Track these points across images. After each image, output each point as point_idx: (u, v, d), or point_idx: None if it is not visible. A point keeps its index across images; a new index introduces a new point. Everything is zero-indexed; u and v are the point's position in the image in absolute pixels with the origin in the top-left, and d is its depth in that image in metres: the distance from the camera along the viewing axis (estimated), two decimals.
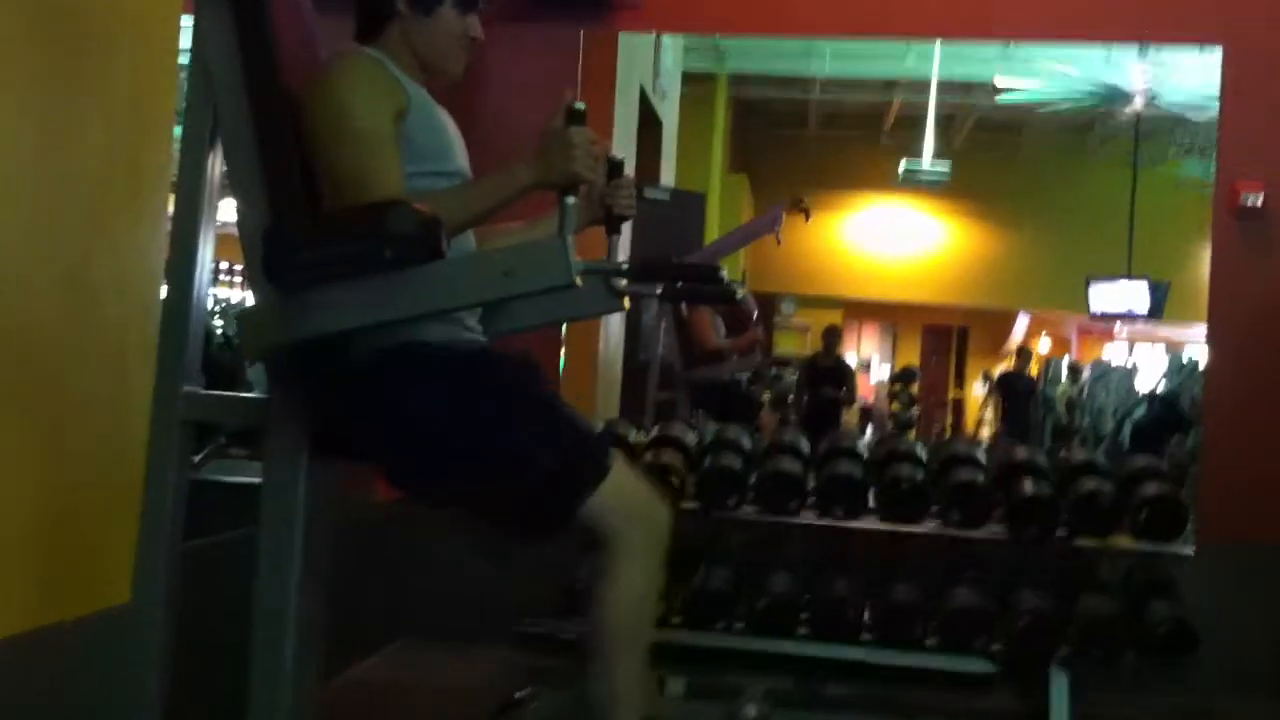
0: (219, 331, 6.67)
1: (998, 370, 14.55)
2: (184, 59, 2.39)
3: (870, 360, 17.76)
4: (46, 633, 2.31)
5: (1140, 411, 9.76)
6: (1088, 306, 13.76)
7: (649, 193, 6.83)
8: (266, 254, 1.89)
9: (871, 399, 15.27)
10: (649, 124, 7.73)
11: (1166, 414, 8.92)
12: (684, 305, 6.96)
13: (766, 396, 9.54)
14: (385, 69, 2.08)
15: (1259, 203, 4.12)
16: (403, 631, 4.04)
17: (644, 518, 2.11)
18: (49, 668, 2.32)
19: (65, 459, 2.39)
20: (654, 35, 7.34)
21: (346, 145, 1.97)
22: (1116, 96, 12.52)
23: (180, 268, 2.03)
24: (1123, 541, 3.87)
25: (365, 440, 2.04)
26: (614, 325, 6.34)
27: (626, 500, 2.09)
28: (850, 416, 10.99)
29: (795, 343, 13.72)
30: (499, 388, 2.08)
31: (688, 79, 9.80)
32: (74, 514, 2.43)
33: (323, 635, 2.12)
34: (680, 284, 2.65)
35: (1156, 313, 13.93)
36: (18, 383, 2.26)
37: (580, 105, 1.94)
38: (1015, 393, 12.75)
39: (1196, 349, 12.58)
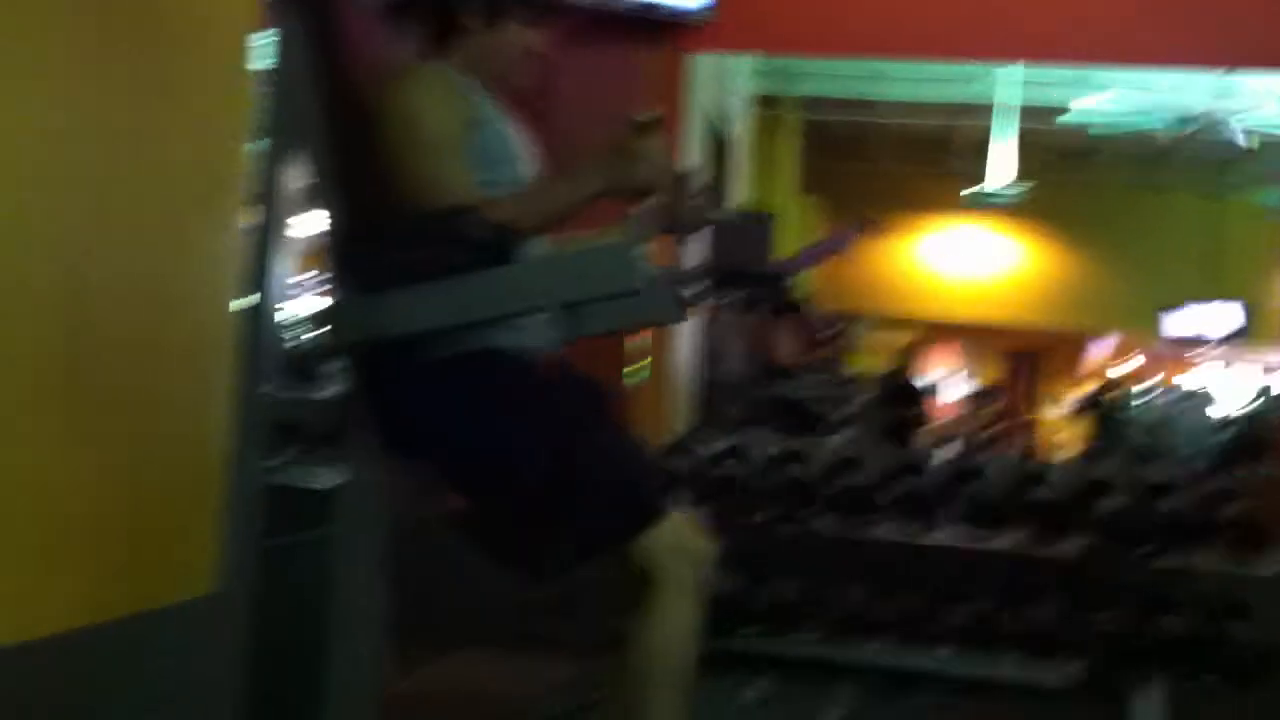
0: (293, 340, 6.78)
1: (1081, 391, 14.36)
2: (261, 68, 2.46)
3: (945, 381, 17.56)
4: (130, 621, 2.37)
5: (1220, 435, 9.61)
6: (1164, 331, 13.56)
7: (718, 214, 6.84)
8: (344, 257, 1.94)
9: (946, 420, 15.10)
10: (718, 146, 7.75)
11: (1247, 437, 8.77)
12: (756, 320, 6.97)
13: (840, 415, 9.47)
14: (453, 81, 2.12)
15: None
16: (473, 637, 4.05)
17: (692, 556, 2.09)
18: (132, 656, 2.37)
19: (149, 455, 2.44)
20: (722, 58, 7.37)
21: (419, 153, 2.00)
22: (1193, 123, 12.35)
23: (258, 271, 2.08)
24: (1204, 561, 3.81)
25: (428, 442, 2.07)
26: (686, 339, 6.36)
27: (677, 538, 2.08)
28: (925, 437, 10.89)
29: (869, 362, 13.59)
30: (564, 416, 2.08)
31: (757, 102, 9.81)
32: (158, 509, 2.48)
33: (394, 637, 2.15)
34: (748, 293, 2.66)
35: (1237, 338, 13.70)
36: (103, 382, 2.32)
37: (651, 114, 1.96)
38: (1103, 413, 12.59)
39: (1276, 375, 12.39)
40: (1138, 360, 16.28)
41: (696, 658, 2.11)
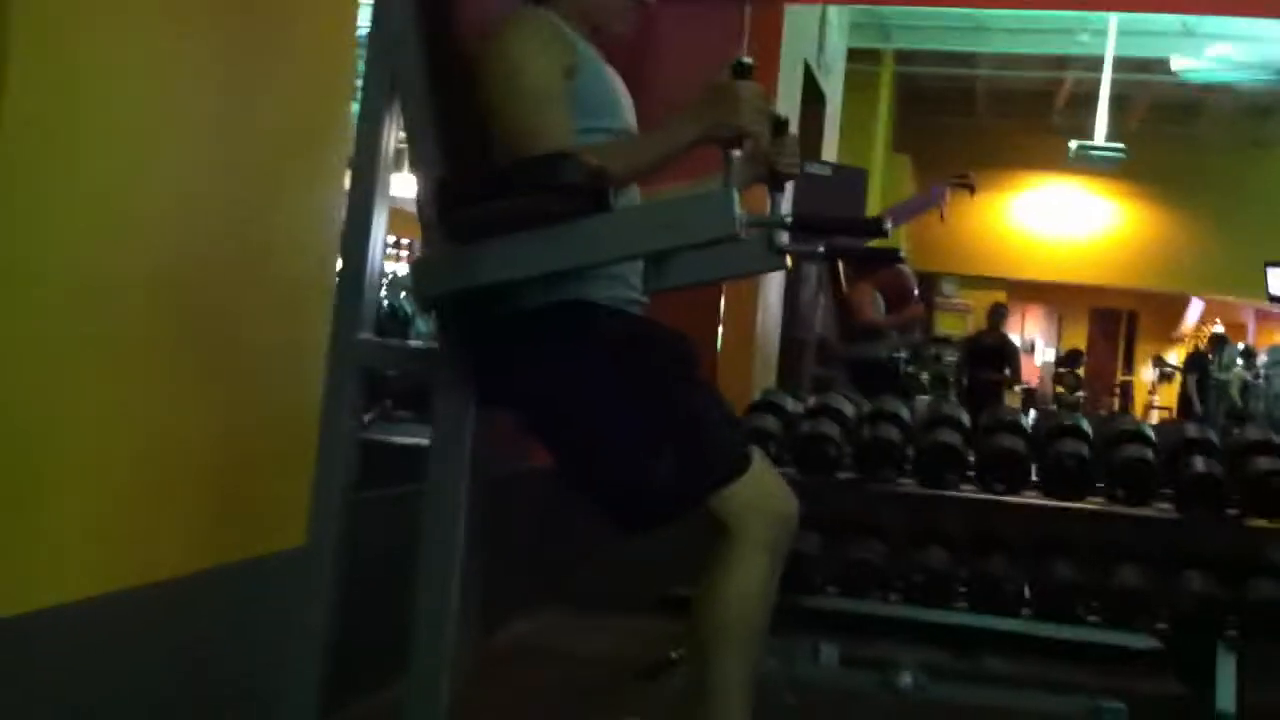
0: (385, 302, 6.87)
1: (1178, 352, 14.11)
2: (363, 26, 2.49)
3: (1034, 342, 17.35)
4: (225, 570, 2.43)
5: None
6: (1266, 291, 13.24)
7: (811, 168, 6.78)
8: (441, 205, 1.95)
9: (1035, 382, 14.93)
10: (813, 100, 7.67)
11: None
12: (843, 280, 6.91)
13: (926, 377, 9.41)
14: (555, 27, 2.11)
15: None
16: (550, 596, 4.10)
17: (774, 513, 2.09)
18: (227, 604, 2.44)
19: (243, 405, 2.51)
20: (820, 9, 7.29)
21: (518, 101, 2.01)
22: None
23: (358, 217, 2.10)
24: None
25: (517, 394, 2.08)
26: (773, 298, 6.34)
27: (759, 493, 2.07)
28: (1013, 399, 10.77)
29: (957, 324, 13.46)
30: (650, 369, 2.08)
31: (853, 56, 9.69)
32: (252, 459, 2.54)
33: (480, 594, 2.17)
34: (842, 243, 2.64)
35: None
36: (200, 331, 2.38)
37: (748, 60, 1.94)
38: (1206, 374, 12.38)
39: None
40: (1237, 321, 15.94)
41: (769, 616, 2.09)
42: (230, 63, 2.39)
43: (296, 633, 2.10)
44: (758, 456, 2.12)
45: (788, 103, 6.52)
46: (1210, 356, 12.83)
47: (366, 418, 4.13)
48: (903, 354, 7.72)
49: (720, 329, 4.57)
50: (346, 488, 2.13)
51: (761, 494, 2.08)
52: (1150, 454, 3.81)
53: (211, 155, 2.37)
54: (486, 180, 1.99)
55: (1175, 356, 14.61)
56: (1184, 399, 12.09)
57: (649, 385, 2.06)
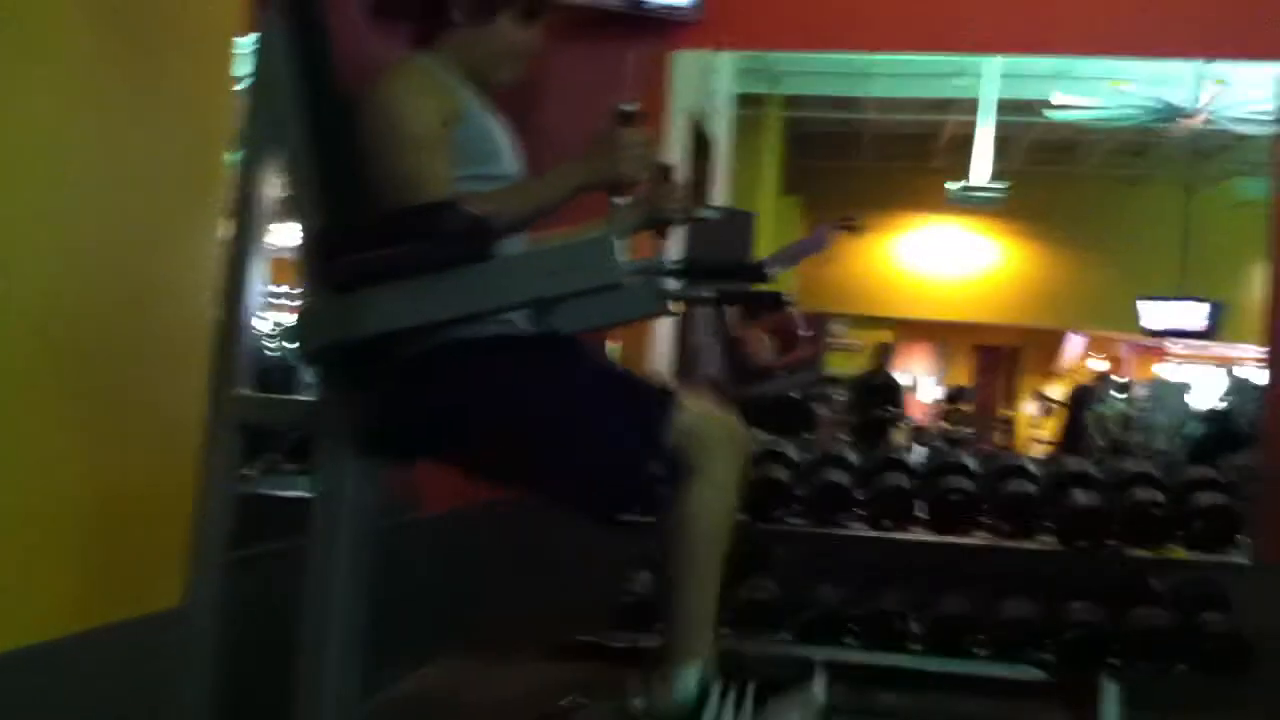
0: (274, 349, 6.75)
1: (1057, 387, 14.44)
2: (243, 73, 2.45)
3: (921, 379, 17.65)
4: (97, 634, 2.35)
5: (1196, 428, 9.67)
6: (1140, 325, 13.64)
7: (700, 212, 6.82)
8: (320, 254, 1.93)
9: (923, 418, 15.17)
10: (701, 145, 7.73)
11: (1222, 431, 8.83)
12: (733, 323, 6.96)
13: (826, 412, 9.49)
14: (436, 75, 2.11)
15: None
16: (450, 644, 4.05)
17: (724, 428, 2.13)
18: (99, 668, 2.36)
19: (118, 460, 2.44)
20: (706, 55, 7.36)
21: (398, 150, 2.00)
22: (1172, 115, 12.39)
23: (236, 267, 2.07)
24: (1176, 552, 3.84)
25: (426, 436, 2.06)
26: (664, 344, 6.35)
27: (704, 415, 2.11)
28: (901, 435, 10.92)
29: (846, 362, 13.65)
30: (556, 355, 2.13)
31: (741, 101, 9.79)
32: (126, 516, 2.47)
33: (368, 647, 2.13)
34: (729, 288, 2.66)
35: (1212, 333, 13.78)
36: (72, 384, 2.31)
37: (631, 107, 1.96)
38: (1076, 408, 12.67)
39: (1251, 369, 12.44)
40: (1115, 355, 16.37)
41: (731, 527, 2.13)
42: (104, 107, 2.34)
43: (175, 696, 2.04)
44: (680, 391, 2.16)
45: (676, 147, 6.56)
46: (1084, 390, 13.15)
47: (254, 470, 4.07)
48: (797, 394, 7.79)
49: None
50: (225, 545, 2.09)
51: (707, 417, 2.12)
52: (1033, 488, 3.88)
53: (84, 202, 2.31)
54: (367, 229, 1.98)
55: (1056, 391, 14.93)
56: (1072, 432, 12.34)
57: (565, 358, 2.12)
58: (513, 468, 2.12)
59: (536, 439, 2.05)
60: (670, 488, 2.06)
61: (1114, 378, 14.38)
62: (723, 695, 2.19)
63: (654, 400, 2.09)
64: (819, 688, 2.33)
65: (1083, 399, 12.91)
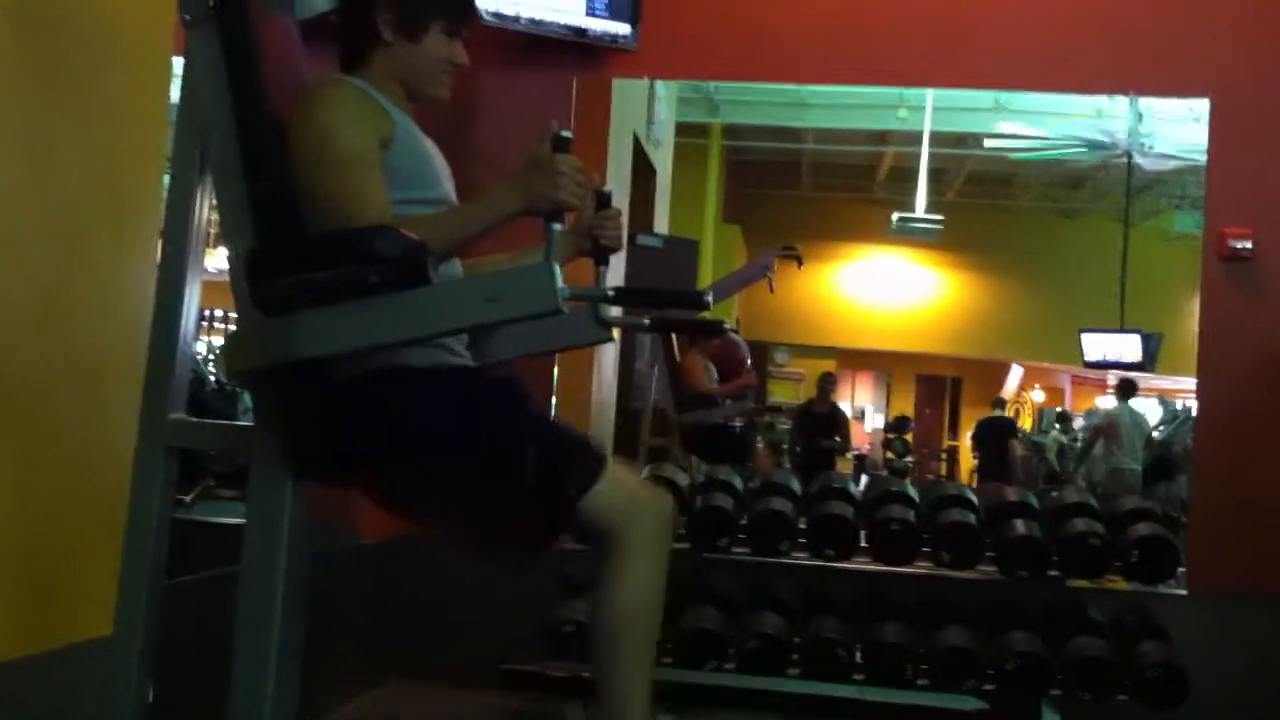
0: (212, 378, 6.67)
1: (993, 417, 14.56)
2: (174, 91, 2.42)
3: (864, 409, 17.75)
4: (24, 664, 2.30)
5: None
6: (1080, 357, 13.77)
7: (642, 239, 6.85)
8: (251, 278, 1.89)
9: (865, 447, 15.25)
10: (643, 172, 7.75)
11: (1158, 461, 8.94)
12: (676, 350, 6.96)
13: (760, 444, 9.52)
14: (369, 95, 2.09)
15: (1247, 248, 4.15)
16: (389, 672, 4.01)
17: (646, 510, 2.09)
18: (26, 698, 2.30)
19: (42, 485, 2.38)
20: (648, 83, 7.38)
21: (331, 171, 1.97)
22: (1107, 149, 12.58)
23: (168, 290, 2.03)
24: (1115, 583, 3.87)
25: (352, 462, 2.03)
26: (607, 369, 6.33)
27: (627, 493, 2.08)
28: (844, 464, 10.96)
29: (789, 391, 13.70)
30: (489, 397, 2.09)
31: (682, 129, 9.83)
32: (53, 543, 2.42)
33: (306, 675, 2.09)
34: (669, 315, 2.65)
35: (1148, 365, 13.94)
36: (3, 409, 2.26)
37: (567, 133, 1.95)
38: (992, 438, 12.76)
39: (1188, 400, 12.59)
40: (1053, 387, 16.54)
41: (660, 615, 2.10)
42: (35, 130, 2.30)
43: None
44: (613, 462, 2.12)
45: (618, 174, 6.56)
46: (998, 420, 13.26)
47: (188, 496, 4.00)
48: (738, 422, 7.80)
49: (555, 400, 4.55)
50: (155, 573, 2.04)
51: (628, 496, 2.09)
52: (973, 518, 3.90)
53: (13, 225, 2.27)
54: (299, 252, 1.94)
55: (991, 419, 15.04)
56: (995, 463, 12.42)
57: (496, 401, 2.08)
58: (423, 503, 2.09)
59: (452, 479, 2.03)
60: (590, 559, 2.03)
61: (1053, 409, 14.52)
62: None
63: (580, 463, 2.05)
64: None
65: (1005, 430, 13.01)
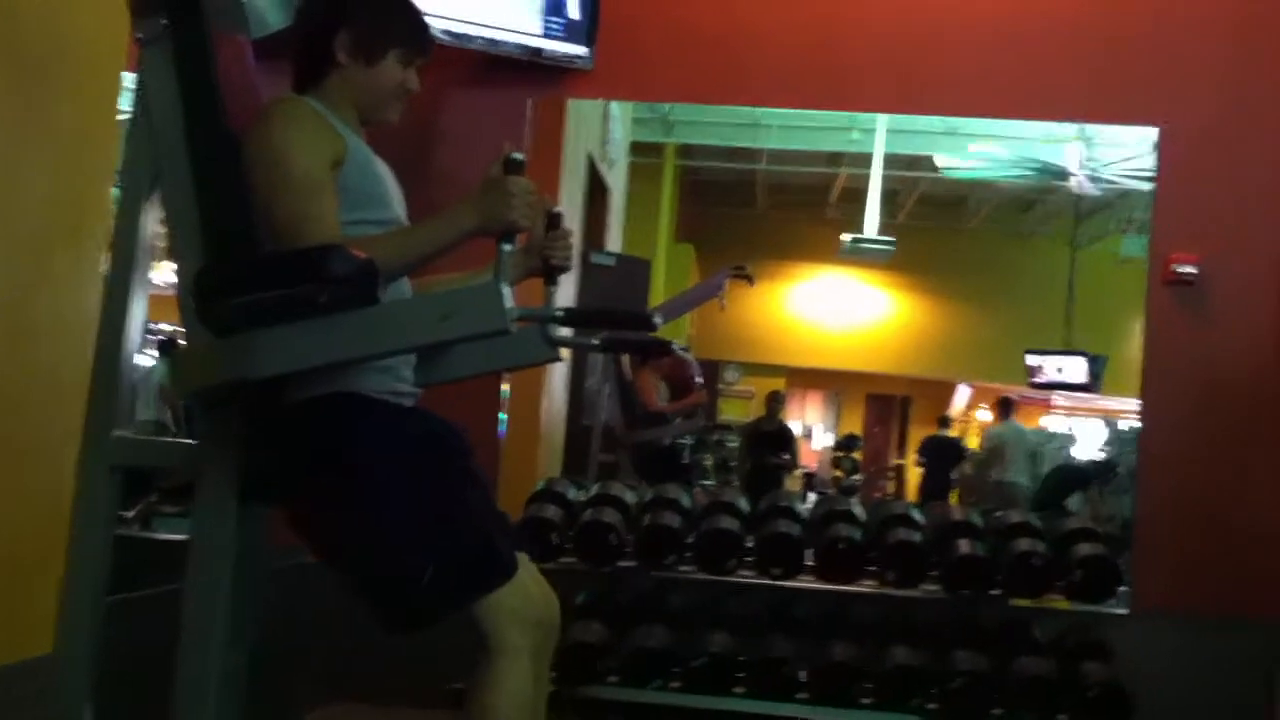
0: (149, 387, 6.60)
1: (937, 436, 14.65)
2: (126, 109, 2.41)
3: (813, 427, 17.83)
4: None
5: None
6: (1026, 377, 13.90)
7: (595, 258, 6.87)
8: (202, 296, 1.89)
9: (815, 466, 15.32)
10: (597, 191, 7.77)
11: (1067, 475, 9.19)
12: (627, 368, 6.98)
13: (710, 462, 9.54)
14: (322, 116, 2.09)
15: (1192, 273, 4.21)
16: (337, 692, 3.98)
17: (535, 621, 2.09)
18: None
19: None
20: (602, 103, 7.41)
21: (283, 191, 1.97)
22: (1057, 174, 12.74)
23: (114, 309, 2.02)
24: (1058, 602, 3.91)
25: (282, 489, 2.03)
26: (558, 387, 6.34)
27: (521, 601, 2.06)
28: (793, 482, 11.00)
29: (739, 409, 13.75)
30: (417, 466, 2.05)
31: (636, 149, 9.88)
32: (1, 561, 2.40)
33: (251, 694, 2.08)
34: (619, 335, 2.66)
35: (1094, 386, 14.09)
36: None
37: (519, 155, 1.96)
38: (937, 457, 12.84)
39: (1133, 421, 12.74)
40: (1002, 404, 16.67)
41: None
42: None
43: None
44: (523, 561, 2.11)
45: (572, 193, 6.59)
46: (942, 439, 13.34)
47: (131, 512, 3.96)
48: (687, 440, 7.82)
49: (505, 417, 4.54)
50: (98, 591, 2.03)
51: (524, 602, 2.07)
52: (918, 537, 3.93)
53: None
54: (250, 271, 1.94)
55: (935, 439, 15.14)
56: (935, 484, 12.50)
57: (421, 482, 2.04)
58: (320, 529, 2.07)
59: (357, 532, 2.01)
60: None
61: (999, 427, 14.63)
62: None
63: (480, 569, 2.02)
64: None
65: (945, 451, 13.10)
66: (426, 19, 2.25)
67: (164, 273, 2.17)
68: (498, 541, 2.10)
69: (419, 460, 2.06)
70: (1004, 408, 11.07)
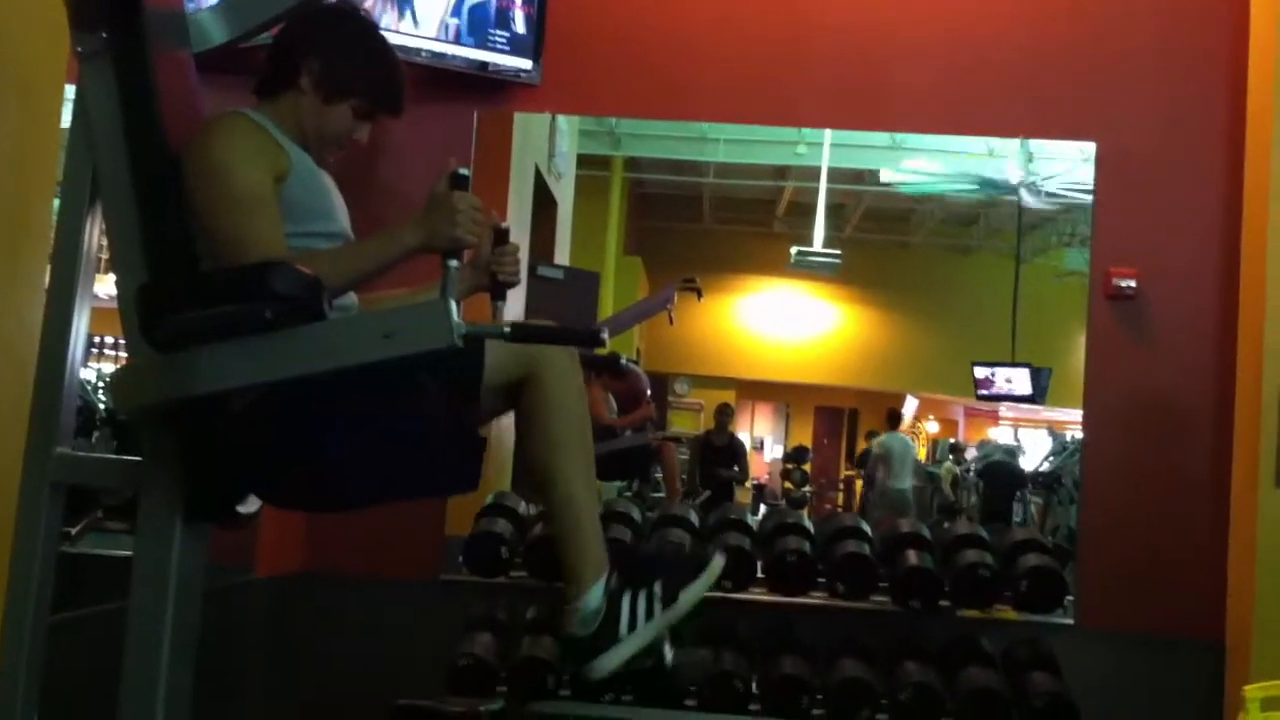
0: (103, 407, 6.52)
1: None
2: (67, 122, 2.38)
3: (763, 440, 17.90)
4: None
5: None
6: (973, 389, 14.02)
7: (543, 271, 6.87)
8: (144, 313, 1.87)
9: (764, 478, 15.37)
10: (545, 204, 7.76)
11: (1000, 476, 9.44)
12: None
13: (660, 474, 9.53)
14: (265, 130, 2.08)
15: (1131, 287, 4.27)
16: (282, 709, 3.95)
17: (552, 350, 2.16)
18: None
19: None
20: (550, 116, 7.40)
21: (226, 205, 1.96)
22: (1000, 188, 12.86)
23: (55, 325, 2.00)
24: (1005, 613, 3.94)
25: (269, 480, 2.01)
26: None
27: (523, 348, 2.12)
28: (743, 495, 11.03)
29: (689, 422, 13.78)
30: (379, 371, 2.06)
31: (584, 162, 9.87)
32: None
33: (196, 713, 2.06)
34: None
35: (1039, 398, 14.23)
36: None
37: (464, 170, 1.96)
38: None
39: (1077, 431, 12.86)
40: (948, 419, 16.82)
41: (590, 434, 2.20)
42: None
43: None
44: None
45: (519, 206, 6.57)
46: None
47: (75, 529, 3.91)
48: (637, 452, 7.81)
49: None
50: (41, 610, 2.00)
51: (524, 349, 2.13)
52: (868, 549, 3.95)
53: None
54: (194, 287, 1.93)
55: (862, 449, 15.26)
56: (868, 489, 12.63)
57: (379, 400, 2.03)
58: (349, 473, 2.06)
59: (367, 433, 2.02)
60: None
61: (947, 440, 14.76)
62: (632, 598, 2.22)
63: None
64: (718, 561, 2.41)
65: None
66: (401, 83, 2.25)
67: (108, 285, 2.14)
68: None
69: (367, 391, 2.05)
70: (892, 420, 12.22)
